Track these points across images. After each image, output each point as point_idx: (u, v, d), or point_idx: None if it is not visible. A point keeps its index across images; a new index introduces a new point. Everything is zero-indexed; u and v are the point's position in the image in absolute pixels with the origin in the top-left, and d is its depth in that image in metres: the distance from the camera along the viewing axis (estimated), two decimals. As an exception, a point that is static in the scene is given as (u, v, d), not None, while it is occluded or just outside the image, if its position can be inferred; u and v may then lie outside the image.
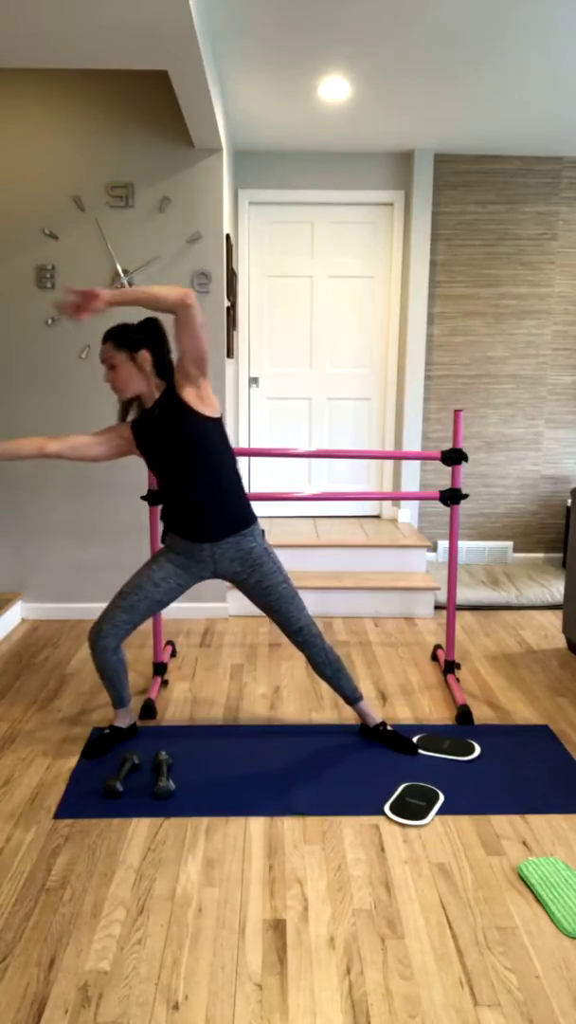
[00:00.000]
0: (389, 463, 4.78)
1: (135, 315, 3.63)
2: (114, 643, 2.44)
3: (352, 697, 2.58)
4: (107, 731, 2.57)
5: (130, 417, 2.43)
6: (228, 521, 2.37)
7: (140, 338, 2.28)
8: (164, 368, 2.33)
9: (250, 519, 2.42)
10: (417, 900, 1.85)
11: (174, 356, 2.30)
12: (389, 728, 2.60)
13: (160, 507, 2.46)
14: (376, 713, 2.75)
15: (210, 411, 2.30)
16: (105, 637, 2.42)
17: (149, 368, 2.29)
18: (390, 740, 2.56)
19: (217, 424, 2.33)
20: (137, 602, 2.42)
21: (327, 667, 2.53)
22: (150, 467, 2.39)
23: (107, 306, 2.07)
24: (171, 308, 2.12)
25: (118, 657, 2.48)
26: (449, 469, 4.67)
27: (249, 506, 2.43)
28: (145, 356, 2.28)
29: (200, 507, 2.33)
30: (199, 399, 2.28)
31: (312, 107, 3.62)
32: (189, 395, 2.28)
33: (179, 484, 2.33)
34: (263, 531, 2.49)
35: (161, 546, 2.50)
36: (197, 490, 2.32)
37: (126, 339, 2.28)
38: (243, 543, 2.40)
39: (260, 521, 4.62)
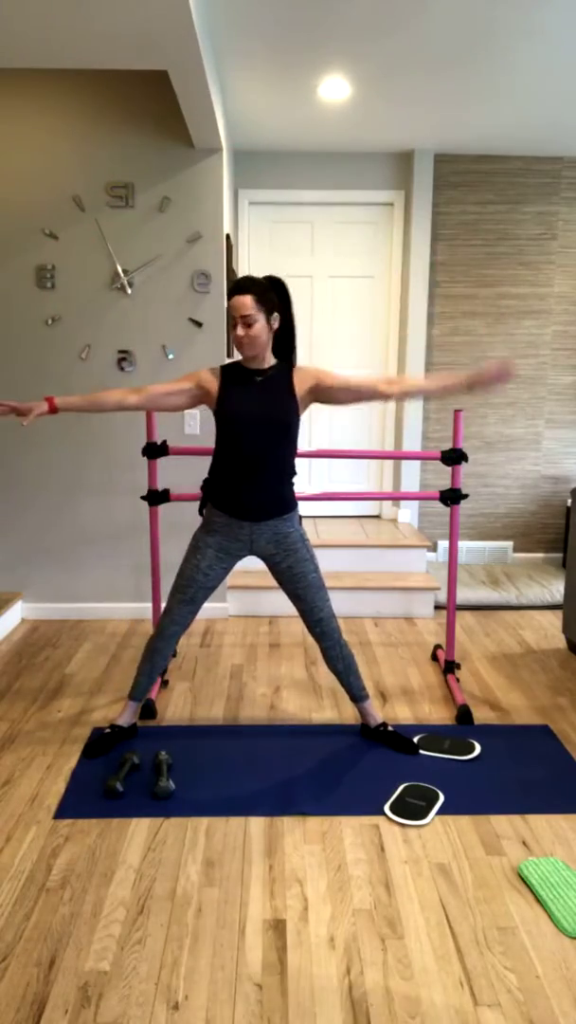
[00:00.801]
0: (389, 463, 4.77)
1: (128, 329, 3.63)
2: (181, 630, 2.54)
3: (359, 695, 2.59)
4: (108, 730, 2.57)
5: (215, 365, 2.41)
6: (275, 505, 2.39)
7: (275, 301, 2.28)
8: (283, 340, 2.35)
9: (293, 505, 2.45)
10: (417, 900, 1.85)
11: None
12: (390, 728, 2.60)
13: (206, 478, 2.44)
14: (377, 713, 2.75)
15: (302, 412, 2.37)
16: (176, 624, 2.52)
17: (271, 332, 2.29)
18: (391, 740, 2.56)
19: (299, 423, 2.37)
20: (195, 593, 2.48)
21: (339, 661, 2.55)
22: (220, 426, 2.33)
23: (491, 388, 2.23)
24: (404, 398, 2.31)
25: (173, 649, 2.57)
26: (449, 469, 4.67)
27: (293, 492, 2.46)
28: (277, 319, 2.29)
29: (260, 487, 2.35)
30: (303, 399, 2.34)
31: (312, 107, 3.62)
32: (300, 389, 2.32)
33: (250, 459, 2.32)
34: (300, 518, 2.51)
35: (199, 522, 2.50)
36: (266, 471, 2.34)
37: (266, 298, 2.24)
38: (282, 527, 2.42)
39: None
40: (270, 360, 2.35)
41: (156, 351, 3.69)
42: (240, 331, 2.24)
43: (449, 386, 2.33)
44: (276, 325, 2.30)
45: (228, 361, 2.42)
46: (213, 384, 2.35)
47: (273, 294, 2.27)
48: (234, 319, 2.24)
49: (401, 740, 2.55)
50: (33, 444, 3.76)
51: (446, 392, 2.33)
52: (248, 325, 2.23)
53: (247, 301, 2.21)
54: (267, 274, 2.36)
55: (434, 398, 2.21)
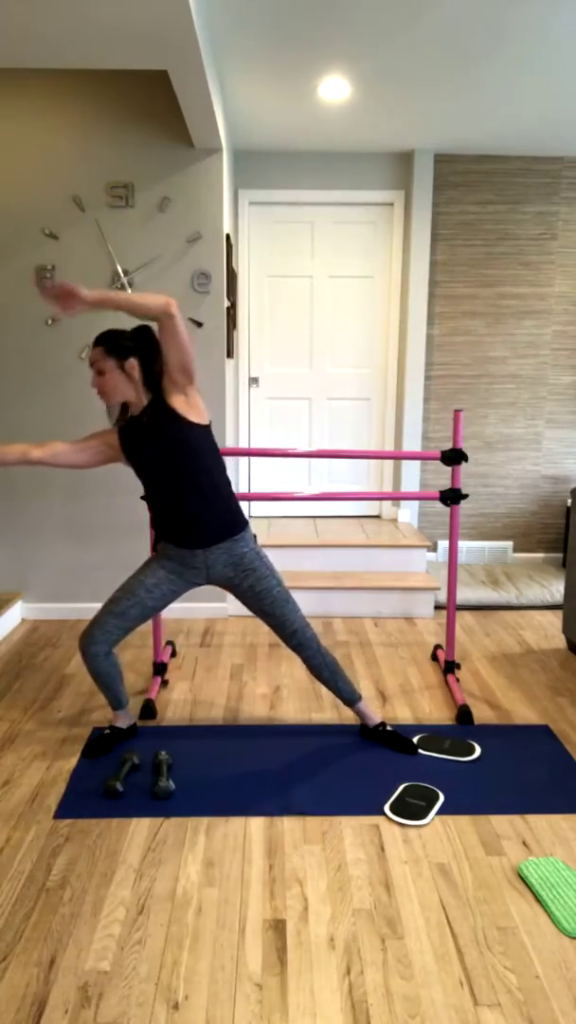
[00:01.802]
0: (389, 463, 4.78)
1: (127, 322, 3.63)
2: (105, 648, 2.42)
3: (350, 698, 2.58)
4: (107, 731, 2.57)
5: (113, 423, 2.40)
6: (220, 527, 2.36)
7: (130, 346, 2.26)
8: (153, 378, 2.29)
9: (242, 524, 2.42)
10: (417, 900, 1.85)
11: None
12: (389, 728, 2.60)
13: (150, 516, 2.46)
14: (375, 713, 2.75)
15: (198, 418, 2.29)
16: (96, 643, 2.41)
17: (137, 376, 2.26)
18: (390, 740, 2.56)
19: (206, 431, 2.32)
20: (129, 608, 2.41)
21: (324, 669, 2.52)
22: (138, 474, 2.38)
23: (88, 308, 2.05)
24: (154, 316, 2.12)
25: (111, 661, 2.46)
26: (449, 469, 4.67)
27: (240, 511, 2.43)
28: (133, 364, 2.25)
29: (192, 514, 2.33)
30: (187, 406, 2.28)
31: (312, 107, 3.62)
32: (177, 402, 2.27)
33: (170, 492, 2.32)
34: (255, 535, 2.49)
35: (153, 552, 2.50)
36: (188, 497, 2.31)
37: (116, 345, 2.25)
38: (235, 548, 2.40)
39: (262, 521, 4.62)
40: (145, 396, 2.30)
41: (156, 351, 3.69)
42: (95, 382, 2.28)
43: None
44: (136, 367, 2.24)
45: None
46: (115, 441, 2.37)
47: (131, 341, 2.25)
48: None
49: (400, 740, 2.55)
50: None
51: (117, 307, 2.16)
52: (99, 372, 2.25)
53: (95, 352, 2.26)
54: (139, 325, 2.33)
55: (126, 309, 2.11)
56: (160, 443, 2.28)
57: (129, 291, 2.14)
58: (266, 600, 2.43)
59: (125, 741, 2.61)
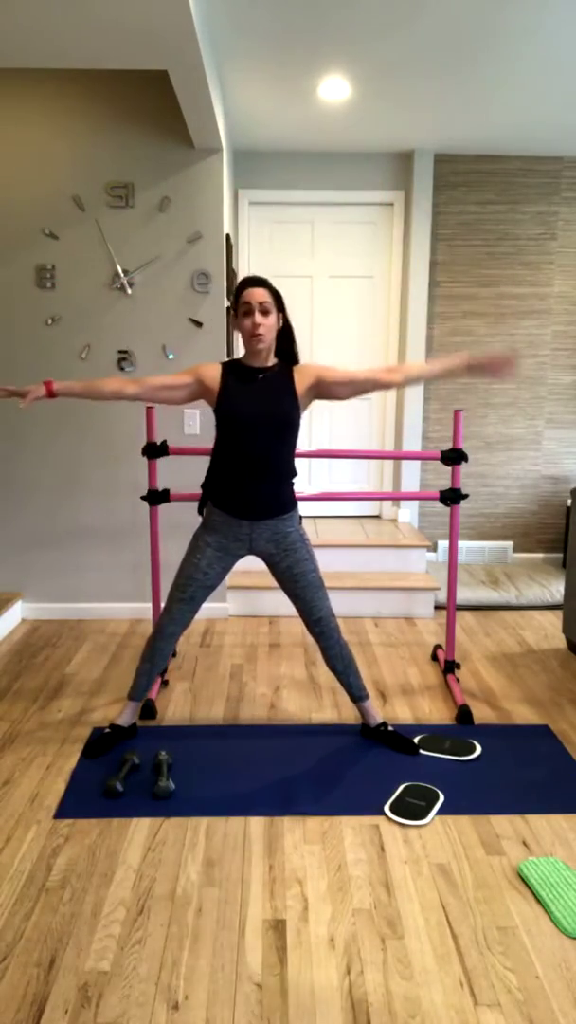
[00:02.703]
0: (389, 463, 4.77)
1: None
2: (180, 630, 2.54)
3: (358, 695, 2.59)
4: (108, 730, 2.57)
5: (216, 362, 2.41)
6: (276, 504, 2.39)
7: (281, 300, 2.33)
8: (283, 343, 2.37)
9: (292, 504, 2.45)
10: (417, 900, 1.85)
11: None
12: (390, 728, 2.60)
13: (206, 476, 2.45)
14: (378, 713, 2.74)
15: (303, 407, 2.37)
16: (175, 624, 2.51)
17: (277, 330, 2.32)
18: (390, 740, 2.56)
19: (300, 421, 2.38)
20: (194, 592, 2.47)
21: (339, 661, 2.55)
22: (220, 423, 2.33)
23: (491, 376, 2.33)
24: (403, 385, 2.33)
25: (172, 648, 2.57)
26: (449, 469, 4.67)
27: (293, 492, 2.46)
28: (282, 320, 2.33)
29: (261, 486, 2.35)
30: (304, 398, 2.34)
31: (312, 107, 3.62)
32: (301, 387, 2.33)
33: (251, 457, 2.32)
34: (300, 518, 2.51)
35: (199, 522, 2.52)
36: (267, 469, 2.34)
37: (278, 296, 2.30)
38: (281, 526, 2.43)
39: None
40: (272, 359, 2.36)
41: (156, 351, 3.69)
42: (258, 318, 2.24)
43: (452, 367, 2.34)
44: (281, 324, 2.33)
45: (228, 360, 2.41)
46: (214, 381, 2.34)
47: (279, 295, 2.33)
48: (246, 310, 2.25)
49: (401, 740, 2.55)
50: (33, 444, 3.76)
51: (448, 374, 2.34)
52: (265, 313, 2.24)
53: (262, 292, 2.24)
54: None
55: (435, 380, 2.24)
56: (269, 408, 2.29)
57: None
58: (300, 583, 2.46)
59: (125, 741, 2.61)
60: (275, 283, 4.51)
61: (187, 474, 3.81)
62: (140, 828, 2.12)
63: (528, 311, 4.55)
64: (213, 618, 3.93)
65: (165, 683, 3.11)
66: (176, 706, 2.91)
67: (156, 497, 2.98)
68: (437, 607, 4.08)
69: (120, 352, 3.68)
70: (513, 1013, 1.52)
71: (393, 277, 4.52)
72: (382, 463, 4.79)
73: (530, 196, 4.42)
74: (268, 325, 2.26)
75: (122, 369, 3.69)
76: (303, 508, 4.77)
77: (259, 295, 2.24)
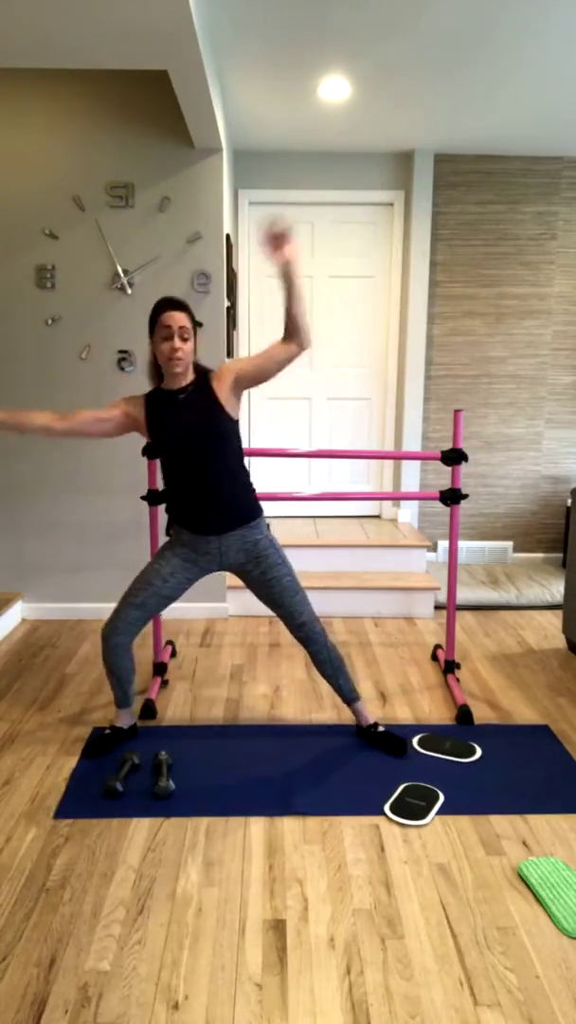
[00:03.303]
0: (389, 463, 4.78)
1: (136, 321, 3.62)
2: (127, 640, 2.45)
3: (349, 697, 2.59)
4: (108, 731, 2.57)
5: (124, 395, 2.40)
6: (236, 514, 2.38)
7: (195, 323, 2.33)
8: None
9: (256, 512, 2.44)
10: (417, 900, 1.85)
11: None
12: (381, 729, 2.59)
13: (164, 503, 2.46)
14: (371, 714, 2.73)
15: (234, 413, 2.35)
16: (119, 634, 2.43)
17: (193, 354, 2.33)
18: (380, 741, 2.56)
19: (237, 425, 2.36)
20: (147, 598, 2.43)
21: (327, 665, 2.53)
22: (158, 450, 2.35)
23: (284, 266, 2.14)
24: (298, 332, 2.22)
25: (129, 655, 2.50)
26: (449, 469, 4.67)
27: (256, 499, 2.45)
28: (198, 340, 2.31)
29: (212, 501, 2.34)
30: (229, 402, 2.32)
31: (312, 107, 3.62)
32: (223, 394, 2.31)
33: (193, 476, 2.33)
34: (268, 524, 2.50)
35: (166, 539, 2.50)
36: (211, 484, 2.33)
37: (193, 318, 2.30)
38: (249, 535, 2.42)
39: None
40: (190, 376, 2.35)
41: (156, 351, 3.69)
42: (177, 343, 2.25)
43: (285, 286, 2.24)
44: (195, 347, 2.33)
45: (150, 390, 2.42)
46: (139, 412, 2.36)
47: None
48: (166, 335, 2.25)
49: (391, 740, 2.54)
50: (33, 444, 3.76)
51: (291, 294, 2.20)
52: (184, 339, 2.26)
53: (182, 316, 2.25)
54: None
55: (298, 304, 2.18)
56: (195, 425, 2.29)
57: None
58: (276, 589, 2.44)
59: (126, 741, 2.61)
60: (275, 283, 4.52)
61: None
62: (140, 828, 2.12)
63: (528, 311, 4.55)
64: (213, 618, 3.93)
65: (165, 683, 3.11)
66: (176, 706, 2.91)
67: (156, 497, 2.98)
68: (437, 607, 4.08)
69: (120, 352, 3.68)
70: (513, 1013, 1.52)
71: (393, 277, 4.52)
72: (382, 463, 4.79)
73: (530, 196, 4.42)
74: (187, 350, 2.27)
75: (122, 369, 3.69)
76: (304, 508, 4.77)
77: (178, 319, 2.24)
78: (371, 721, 2.62)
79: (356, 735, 2.65)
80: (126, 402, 2.38)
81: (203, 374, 2.36)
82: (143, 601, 2.42)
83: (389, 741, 2.55)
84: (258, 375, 2.29)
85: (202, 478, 2.33)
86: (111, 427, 2.35)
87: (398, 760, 2.48)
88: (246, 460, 4.73)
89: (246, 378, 2.30)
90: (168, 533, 2.52)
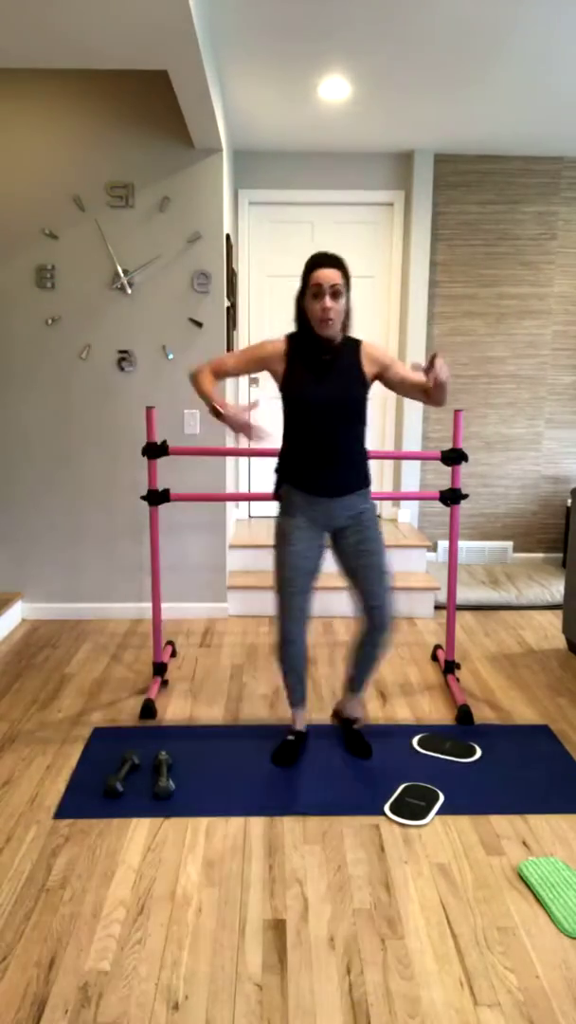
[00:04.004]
0: (389, 463, 4.77)
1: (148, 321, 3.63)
2: (302, 630, 2.40)
3: (358, 688, 2.56)
4: (291, 738, 2.53)
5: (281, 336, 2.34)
6: (354, 480, 2.35)
7: (350, 280, 2.27)
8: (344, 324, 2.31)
9: (369, 480, 2.41)
10: (417, 900, 1.85)
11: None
12: (356, 728, 2.59)
13: (279, 459, 2.41)
14: (359, 712, 2.63)
15: (368, 387, 2.33)
16: (297, 624, 2.38)
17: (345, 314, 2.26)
18: (351, 737, 2.56)
19: (367, 400, 2.34)
20: (302, 581, 2.35)
21: (370, 655, 2.46)
22: (288, 405, 2.30)
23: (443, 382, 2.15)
24: (441, 402, 2.24)
25: (306, 648, 2.46)
26: (449, 469, 4.67)
27: (368, 471, 2.41)
28: (351, 300, 2.28)
29: (337, 465, 2.31)
30: (370, 377, 2.30)
31: (312, 107, 3.62)
32: (370, 369, 2.29)
33: (325, 439, 2.28)
34: (375, 504, 2.46)
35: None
36: (341, 449, 2.30)
37: (348, 277, 2.23)
38: (358, 501, 2.37)
39: (262, 521, 4.62)
40: (339, 337, 2.29)
41: (156, 351, 3.70)
42: (328, 303, 2.16)
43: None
44: (346, 308, 2.26)
45: (293, 333, 2.35)
46: (279, 360, 2.30)
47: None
48: (316, 292, 2.17)
49: (359, 742, 2.54)
50: (33, 444, 3.76)
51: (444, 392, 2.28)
52: (336, 296, 2.17)
53: (334, 274, 2.16)
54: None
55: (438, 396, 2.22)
56: (336, 390, 2.25)
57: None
58: (363, 560, 2.36)
59: (302, 744, 2.57)
60: (275, 283, 4.52)
61: (187, 474, 3.82)
62: (140, 828, 2.12)
63: (528, 311, 4.55)
64: (213, 618, 3.93)
65: (165, 683, 3.11)
66: (176, 706, 2.91)
67: (156, 497, 2.98)
68: (437, 607, 4.08)
69: (120, 352, 3.68)
70: (513, 1013, 1.52)
71: (393, 277, 4.52)
72: (382, 463, 4.79)
73: (530, 196, 4.42)
74: (338, 309, 2.18)
75: (122, 369, 3.69)
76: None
77: (331, 276, 2.14)
78: (356, 716, 2.60)
79: (330, 717, 2.67)
80: (266, 348, 2.30)
81: (353, 341, 2.32)
82: (301, 587, 2.35)
83: (358, 742, 2.54)
84: (393, 386, 2.31)
85: (333, 442, 2.29)
86: (245, 369, 2.34)
87: (397, 760, 2.48)
88: (242, 464, 4.73)
89: (386, 377, 2.31)
90: (276, 495, 2.44)
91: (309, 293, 2.19)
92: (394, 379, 2.31)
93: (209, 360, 2.32)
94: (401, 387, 2.31)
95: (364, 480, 2.38)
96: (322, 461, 2.30)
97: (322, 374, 2.26)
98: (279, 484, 2.42)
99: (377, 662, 2.50)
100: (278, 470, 2.42)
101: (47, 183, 3.54)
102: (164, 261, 3.61)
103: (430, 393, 2.23)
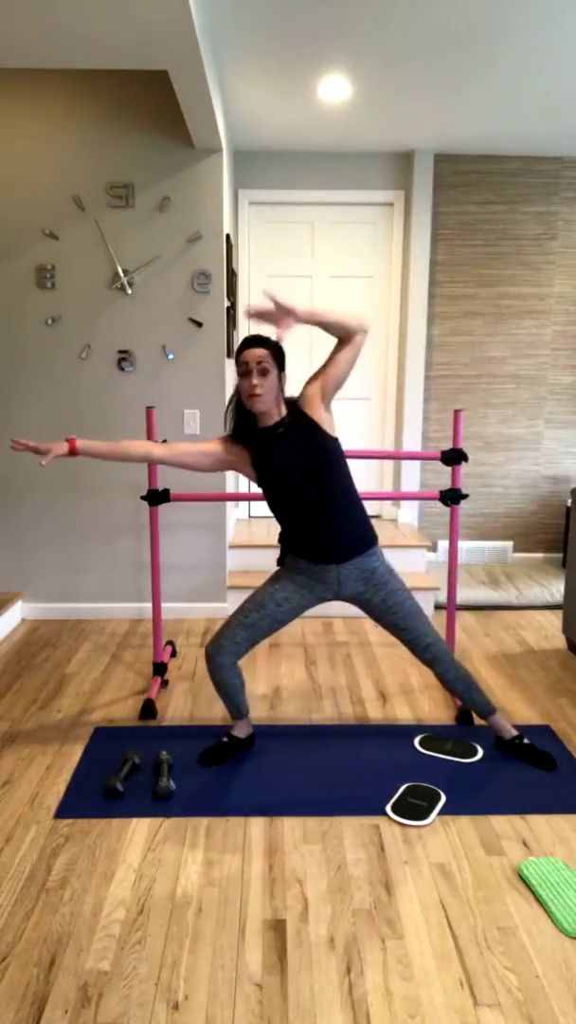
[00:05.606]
0: (389, 463, 4.77)
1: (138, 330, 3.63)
2: (232, 660, 2.36)
3: (485, 711, 2.50)
4: (226, 740, 2.52)
5: (228, 430, 2.34)
6: (355, 541, 2.30)
7: (283, 358, 2.26)
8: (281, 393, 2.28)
9: (374, 538, 2.36)
10: (417, 900, 1.85)
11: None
12: (526, 741, 2.51)
13: (281, 531, 2.40)
14: (511, 727, 2.56)
15: (332, 431, 2.28)
16: (224, 654, 2.35)
17: (280, 388, 2.25)
18: (527, 754, 2.48)
19: (338, 443, 2.29)
20: (258, 620, 2.35)
21: (458, 683, 2.45)
22: (266, 487, 2.30)
23: (298, 323, 2.08)
24: (352, 333, 2.17)
25: (235, 672, 2.41)
26: (449, 469, 4.67)
27: (371, 524, 2.37)
28: (284, 377, 2.26)
29: (328, 527, 2.26)
30: (325, 421, 2.26)
31: (312, 107, 3.62)
32: (318, 414, 2.25)
33: (305, 505, 2.25)
34: (381, 550, 2.43)
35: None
36: (325, 510, 2.25)
37: (279, 353, 2.23)
38: (367, 563, 2.33)
39: (262, 522, 4.62)
40: (283, 411, 2.28)
41: (156, 351, 3.70)
42: (255, 379, 2.18)
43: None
44: (281, 384, 2.26)
45: (228, 431, 2.37)
46: (239, 450, 2.31)
47: (281, 355, 2.26)
48: (244, 371, 2.19)
49: (537, 754, 2.47)
50: (33, 444, 3.76)
51: (325, 325, 2.21)
52: (263, 373, 2.17)
53: (262, 354, 2.18)
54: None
55: (329, 324, 2.17)
56: (301, 454, 2.23)
57: (286, 302, 2.14)
58: (399, 614, 2.36)
59: (244, 751, 2.55)
60: (275, 283, 4.52)
61: (187, 474, 3.82)
62: (140, 828, 2.12)
63: (528, 311, 4.55)
64: (213, 618, 3.93)
65: (165, 683, 3.11)
66: (176, 706, 2.91)
67: (156, 497, 2.98)
68: (437, 607, 4.08)
69: (120, 352, 3.68)
70: (513, 1013, 1.52)
71: (393, 277, 4.52)
72: (382, 463, 4.79)
73: (530, 196, 4.42)
74: (269, 387, 2.19)
75: (122, 369, 3.69)
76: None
77: (257, 355, 2.17)
78: (513, 733, 2.52)
79: (496, 748, 2.56)
80: (225, 442, 2.32)
81: (292, 404, 2.29)
82: (254, 622, 2.34)
83: (535, 755, 2.47)
84: (338, 382, 2.25)
85: (317, 507, 2.25)
86: (211, 462, 2.31)
87: (398, 760, 2.48)
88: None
89: (329, 389, 2.25)
90: (280, 563, 2.43)
91: (238, 372, 2.22)
92: (328, 379, 2.24)
93: (161, 443, 2.30)
94: (336, 364, 2.23)
95: (369, 539, 2.34)
96: (316, 527, 2.27)
97: (283, 448, 2.25)
98: (282, 555, 2.42)
99: (466, 681, 2.46)
100: (280, 541, 2.42)
101: (47, 183, 3.54)
102: (164, 261, 3.61)
103: (337, 337, 2.21)
